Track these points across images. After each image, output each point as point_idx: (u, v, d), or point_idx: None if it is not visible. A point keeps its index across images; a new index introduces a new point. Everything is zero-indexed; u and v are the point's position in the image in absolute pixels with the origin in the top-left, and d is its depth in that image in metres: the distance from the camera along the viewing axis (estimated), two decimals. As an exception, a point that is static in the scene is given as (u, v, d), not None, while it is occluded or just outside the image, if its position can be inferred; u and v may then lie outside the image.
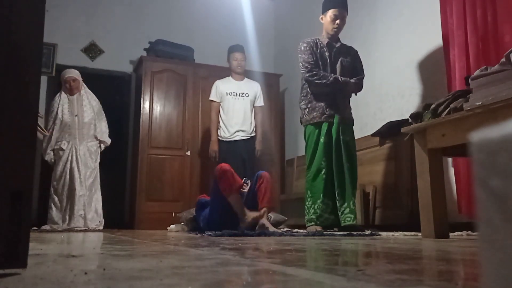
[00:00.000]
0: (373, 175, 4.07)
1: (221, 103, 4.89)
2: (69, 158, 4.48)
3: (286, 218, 4.23)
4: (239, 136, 4.81)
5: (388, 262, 1.06)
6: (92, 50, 5.85)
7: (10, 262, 0.75)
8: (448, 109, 2.29)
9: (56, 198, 4.44)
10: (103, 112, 4.79)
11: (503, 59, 2.02)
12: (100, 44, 5.88)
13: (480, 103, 2.05)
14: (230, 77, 5.02)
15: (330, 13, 3.72)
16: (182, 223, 4.06)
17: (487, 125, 0.32)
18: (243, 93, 4.93)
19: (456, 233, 2.84)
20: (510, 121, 0.30)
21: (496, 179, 0.30)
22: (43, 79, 5.40)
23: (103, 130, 4.73)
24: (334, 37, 3.80)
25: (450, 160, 3.40)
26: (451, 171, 3.44)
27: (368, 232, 3.11)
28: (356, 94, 3.83)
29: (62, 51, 5.60)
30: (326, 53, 3.76)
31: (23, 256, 0.76)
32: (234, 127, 4.81)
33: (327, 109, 3.67)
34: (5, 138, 0.76)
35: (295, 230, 3.65)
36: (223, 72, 5.19)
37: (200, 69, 5.71)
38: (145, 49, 5.65)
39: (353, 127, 3.78)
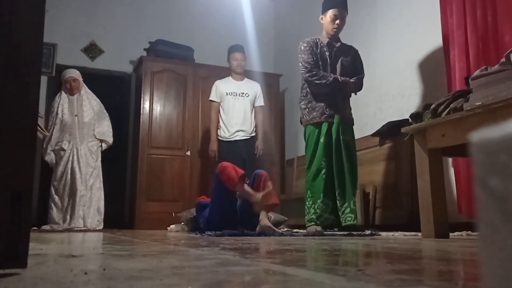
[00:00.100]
0: (373, 175, 4.07)
1: (221, 103, 4.90)
2: (70, 158, 4.49)
3: (286, 218, 4.23)
4: (239, 136, 4.82)
5: (388, 262, 1.06)
6: (92, 50, 5.85)
7: (10, 262, 0.75)
8: (448, 109, 2.29)
9: (56, 198, 4.44)
10: (105, 112, 4.79)
11: (503, 59, 2.02)
12: (100, 44, 5.88)
13: (480, 103, 2.05)
14: (230, 77, 5.02)
15: (330, 13, 3.72)
16: (182, 223, 4.06)
17: (487, 125, 0.32)
18: (243, 93, 4.93)
19: (456, 233, 2.84)
20: (510, 121, 0.30)
21: (496, 179, 0.30)
22: (43, 79, 5.41)
23: (104, 129, 4.72)
24: (334, 37, 3.80)
25: (450, 160, 3.40)
26: (451, 171, 3.44)
27: (368, 232, 3.11)
28: (356, 94, 3.83)
29: (62, 51, 5.60)
30: (326, 53, 3.76)
31: (23, 256, 0.76)
32: (234, 127, 4.82)
33: (327, 109, 3.67)
34: (5, 138, 0.76)
35: (295, 230, 3.65)
36: (223, 72, 5.20)
37: (200, 69, 5.71)
38: (145, 49, 5.65)
39: (353, 127, 3.78)
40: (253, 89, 5.02)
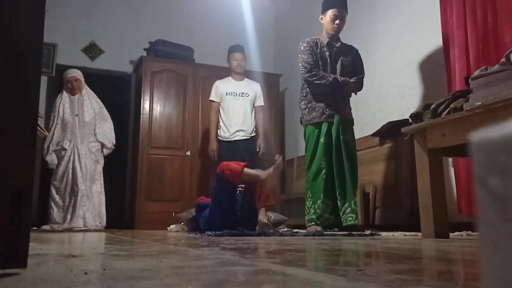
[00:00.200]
0: (373, 175, 4.07)
1: (221, 103, 4.90)
2: (71, 157, 4.50)
3: (286, 218, 4.23)
4: (239, 136, 4.82)
5: (388, 262, 1.06)
6: (92, 50, 5.85)
7: (10, 262, 0.75)
8: (448, 109, 2.29)
9: (57, 197, 4.44)
10: (106, 114, 4.78)
11: (503, 59, 2.02)
12: (100, 44, 5.88)
13: (480, 103, 2.05)
14: (230, 77, 5.02)
15: (330, 13, 3.72)
16: (182, 223, 4.06)
17: (487, 125, 0.32)
18: (243, 93, 4.94)
19: (456, 233, 2.84)
20: (510, 121, 0.30)
21: (496, 179, 0.30)
22: (43, 79, 5.40)
23: (105, 131, 4.73)
24: (334, 37, 3.79)
25: (450, 160, 3.40)
26: (451, 171, 3.44)
27: (368, 232, 3.11)
28: (356, 94, 3.83)
29: (62, 51, 5.60)
30: (326, 53, 3.76)
31: (23, 256, 0.76)
32: (234, 127, 4.82)
33: (327, 109, 3.67)
34: (5, 138, 0.76)
35: (295, 230, 3.65)
36: (223, 72, 5.20)
37: (200, 69, 5.71)
38: (145, 49, 5.65)
39: (353, 127, 3.78)
40: (253, 89, 5.02)
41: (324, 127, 3.64)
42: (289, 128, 6.16)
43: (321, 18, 3.81)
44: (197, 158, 5.49)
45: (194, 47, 5.87)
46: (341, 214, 3.50)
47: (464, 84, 2.56)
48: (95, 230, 4.29)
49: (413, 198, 3.38)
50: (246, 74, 5.15)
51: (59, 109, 4.60)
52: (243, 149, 4.77)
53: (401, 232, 3.18)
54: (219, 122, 4.89)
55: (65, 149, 4.51)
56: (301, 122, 3.84)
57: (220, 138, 4.84)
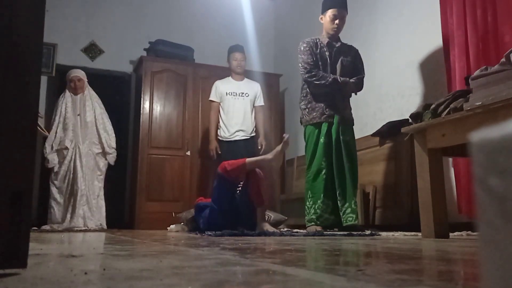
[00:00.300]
0: (373, 175, 4.07)
1: (221, 103, 4.90)
2: (73, 156, 4.51)
3: (286, 218, 4.23)
4: (239, 136, 4.82)
5: (388, 262, 1.06)
6: (92, 50, 5.85)
7: (10, 262, 0.75)
8: (448, 109, 2.29)
9: (58, 197, 4.44)
10: (107, 121, 4.78)
11: (503, 59, 2.02)
12: (100, 44, 5.88)
13: (480, 103, 2.05)
14: (230, 77, 5.02)
15: (330, 13, 3.72)
16: (182, 223, 4.06)
17: (487, 125, 0.32)
18: (243, 93, 4.94)
19: (456, 233, 2.84)
20: (510, 121, 0.30)
21: (495, 179, 0.30)
22: (43, 79, 5.40)
23: (108, 133, 4.74)
24: (334, 37, 3.79)
25: (450, 160, 3.40)
26: (451, 171, 3.44)
27: (368, 232, 3.11)
28: (356, 94, 3.83)
29: (62, 51, 5.60)
30: (326, 53, 3.76)
31: (23, 256, 0.76)
32: (234, 127, 4.82)
33: (327, 110, 3.67)
34: (5, 138, 0.76)
35: (295, 230, 3.65)
36: (223, 72, 5.20)
37: (200, 69, 5.71)
38: (145, 49, 5.65)
39: (353, 127, 3.78)
40: (253, 89, 5.02)
41: (324, 127, 3.64)
42: (289, 128, 6.16)
43: (321, 18, 3.81)
44: (197, 158, 5.49)
45: (194, 47, 5.87)
46: (341, 214, 3.50)
47: (464, 84, 2.56)
48: (95, 230, 4.29)
49: (413, 198, 3.38)
50: (246, 74, 5.15)
51: (61, 108, 4.62)
52: (243, 149, 4.76)
53: (401, 232, 3.18)
54: (219, 122, 4.89)
55: (67, 149, 4.52)
56: (301, 122, 3.84)
57: (220, 138, 4.84)
